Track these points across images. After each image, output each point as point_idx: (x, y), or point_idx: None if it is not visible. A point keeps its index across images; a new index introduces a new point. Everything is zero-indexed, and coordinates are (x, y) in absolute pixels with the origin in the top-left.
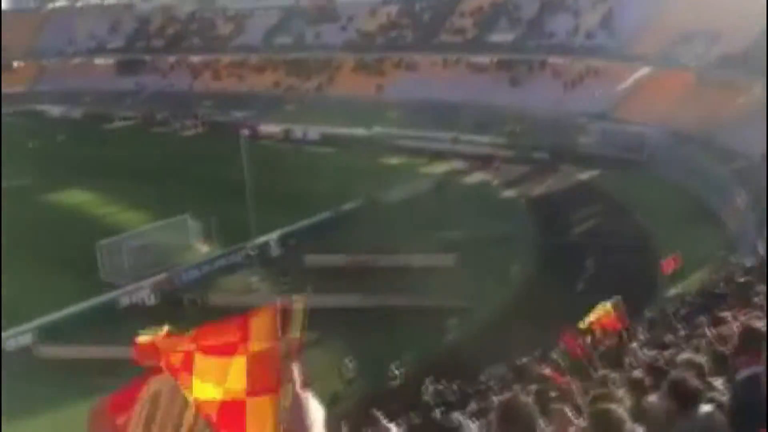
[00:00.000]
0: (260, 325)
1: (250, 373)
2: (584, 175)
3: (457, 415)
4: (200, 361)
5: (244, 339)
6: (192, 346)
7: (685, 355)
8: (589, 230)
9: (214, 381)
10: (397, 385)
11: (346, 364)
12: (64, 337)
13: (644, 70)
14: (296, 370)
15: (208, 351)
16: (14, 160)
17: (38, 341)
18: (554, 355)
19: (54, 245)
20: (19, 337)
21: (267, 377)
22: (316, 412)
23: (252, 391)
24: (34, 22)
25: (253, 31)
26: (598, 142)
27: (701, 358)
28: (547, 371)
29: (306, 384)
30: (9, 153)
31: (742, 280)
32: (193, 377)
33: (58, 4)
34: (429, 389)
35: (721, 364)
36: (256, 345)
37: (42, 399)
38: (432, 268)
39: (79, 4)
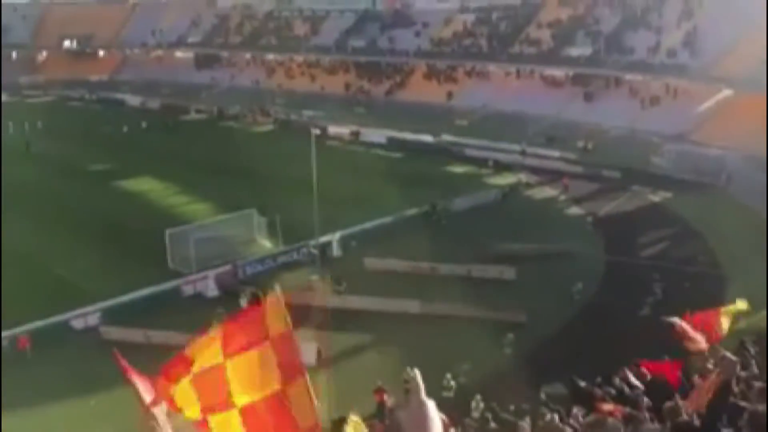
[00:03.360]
0: (272, 313)
1: (279, 362)
2: (656, 197)
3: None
4: (233, 368)
5: (262, 330)
6: (219, 359)
7: None
8: (658, 253)
9: (249, 381)
10: (449, 397)
11: (408, 372)
12: (129, 320)
13: (726, 93)
14: (419, 377)
15: (237, 352)
16: (94, 146)
17: (105, 322)
18: (617, 381)
19: (125, 230)
20: (87, 317)
21: (293, 361)
22: (436, 422)
23: (285, 378)
24: (121, 13)
25: (328, 33)
26: (673, 163)
27: None
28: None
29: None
30: (90, 139)
31: None
32: (231, 387)
33: None
34: (479, 405)
35: None
36: (274, 329)
37: (105, 378)
38: (492, 279)
39: None
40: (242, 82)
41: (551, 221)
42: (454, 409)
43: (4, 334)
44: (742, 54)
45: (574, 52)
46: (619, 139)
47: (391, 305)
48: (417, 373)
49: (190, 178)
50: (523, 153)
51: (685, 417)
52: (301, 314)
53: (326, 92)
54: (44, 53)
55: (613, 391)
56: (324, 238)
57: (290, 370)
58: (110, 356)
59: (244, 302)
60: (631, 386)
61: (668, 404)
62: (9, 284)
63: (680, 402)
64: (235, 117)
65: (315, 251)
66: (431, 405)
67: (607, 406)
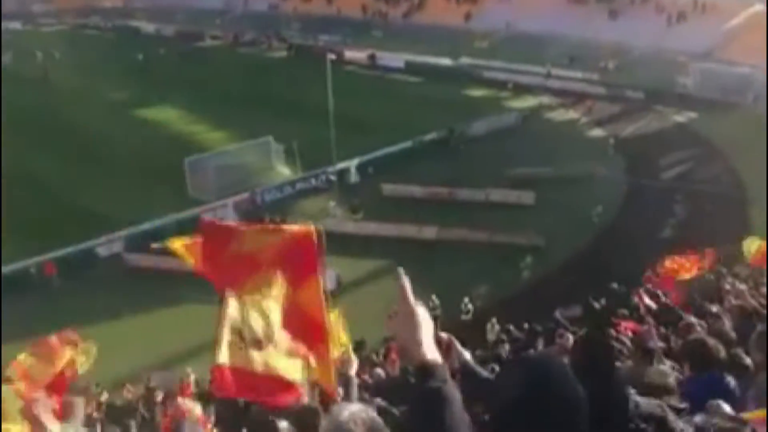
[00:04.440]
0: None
1: (286, 259)
2: (681, 117)
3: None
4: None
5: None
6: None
7: None
8: (681, 175)
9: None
10: (468, 320)
11: (433, 300)
12: (152, 247)
13: (757, 8)
14: (406, 283)
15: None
16: (111, 75)
17: (128, 249)
18: (635, 300)
19: (145, 159)
20: (112, 244)
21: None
22: (425, 323)
23: (292, 279)
24: None
25: None
26: (699, 82)
27: None
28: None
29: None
30: (106, 67)
31: None
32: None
33: None
34: (495, 328)
35: None
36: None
37: (129, 304)
38: (511, 204)
39: None
40: (257, 6)
41: (572, 144)
42: (471, 332)
43: (32, 260)
44: None
45: None
46: (644, 58)
47: (409, 231)
48: (404, 278)
49: (208, 106)
50: (544, 75)
51: (698, 335)
52: (320, 241)
53: (342, 15)
54: None
55: (626, 312)
56: (341, 165)
57: (300, 270)
58: (134, 282)
59: None
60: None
61: (682, 323)
62: (34, 213)
63: (693, 320)
64: (250, 43)
65: (333, 178)
66: (420, 310)
67: (626, 324)
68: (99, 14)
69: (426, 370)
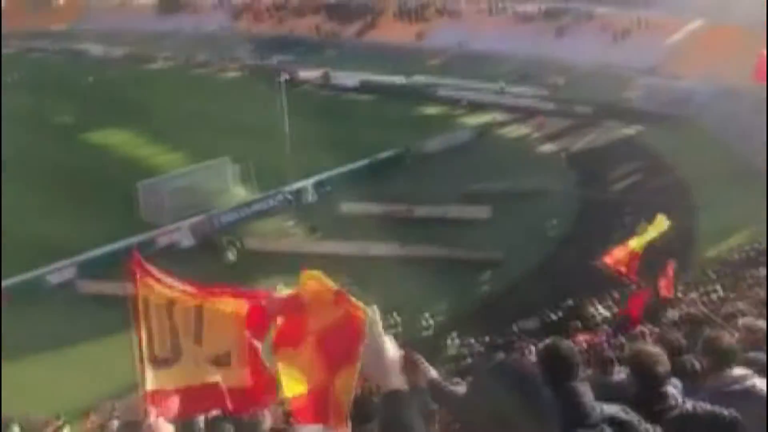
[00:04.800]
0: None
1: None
2: (628, 131)
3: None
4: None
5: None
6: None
7: (747, 320)
8: (630, 187)
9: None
10: (428, 336)
11: (394, 317)
12: (104, 273)
13: (697, 24)
14: (377, 313)
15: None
16: (60, 98)
17: (80, 276)
18: (590, 310)
19: (97, 184)
20: (63, 271)
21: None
22: (394, 353)
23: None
24: None
25: None
26: (644, 97)
27: (762, 323)
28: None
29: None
30: (55, 91)
31: None
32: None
33: None
34: (455, 342)
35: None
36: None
37: (81, 331)
38: (467, 220)
39: None
40: (208, 27)
41: (525, 159)
42: (432, 348)
43: None
44: None
45: None
46: (591, 74)
47: (368, 248)
48: (374, 309)
49: (161, 128)
50: (496, 92)
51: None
52: (278, 261)
53: (295, 36)
54: (3, 3)
55: (579, 324)
56: (298, 184)
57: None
58: (88, 309)
59: (230, 255)
60: (599, 317)
61: (634, 331)
62: None
63: (644, 329)
64: (203, 64)
65: (290, 197)
66: (387, 339)
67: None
68: (46, 37)
69: (393, 397)
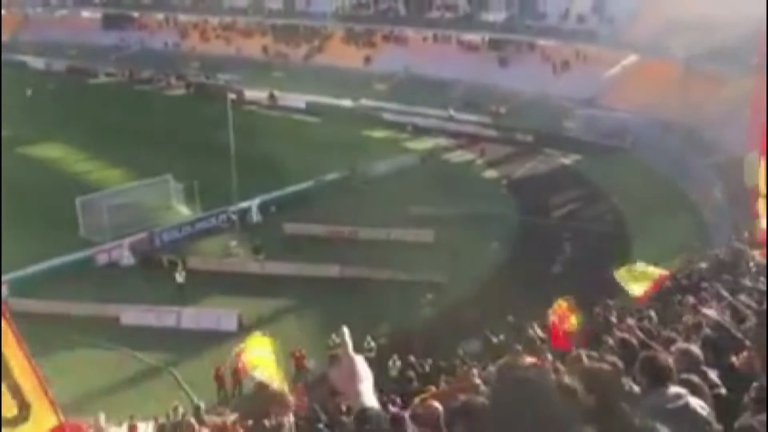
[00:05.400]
0: None
1: None
2: (567, 160)
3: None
4: None
5: None
6: None
7: (681, 345)
8: (568, 214)
9: None
10: (371, 357)
11: (333, 339)
12: (40, 291)
13: (633, 58)
14: (347, 334)
15: None
16: None
17: (14, 294)
18: (531, 334)
19: (33, 199)
20: None
21: None
22: (366, 374)
23: None
24: None
25: None
26: (582, 127)
27: (697, 349)
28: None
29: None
30: None
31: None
32: None
33: None
34: (396, 364)
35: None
36: None
37: None
38: (411, 243)
39: None
40: (154, 44)
41: (468, 184)
42: (374, 370)
43: None
44: (648, 19)
45: (489, 17)
46: (532, 103)
47: (312, 270)
48: (345, 331)
49: (102, 143)
50: (440, 117)
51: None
52: (221, 281)
53: (242, 55)
54: None
55: (519, 347)
56: (243, 204)
57: None
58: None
59: (179, 277)
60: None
61: (571, 355)
62: None
63: (581, 353)
64: (148, 80)
65: (234, 217)
66: (360, 359)
67: (528, 359)
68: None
69: (365, 415)
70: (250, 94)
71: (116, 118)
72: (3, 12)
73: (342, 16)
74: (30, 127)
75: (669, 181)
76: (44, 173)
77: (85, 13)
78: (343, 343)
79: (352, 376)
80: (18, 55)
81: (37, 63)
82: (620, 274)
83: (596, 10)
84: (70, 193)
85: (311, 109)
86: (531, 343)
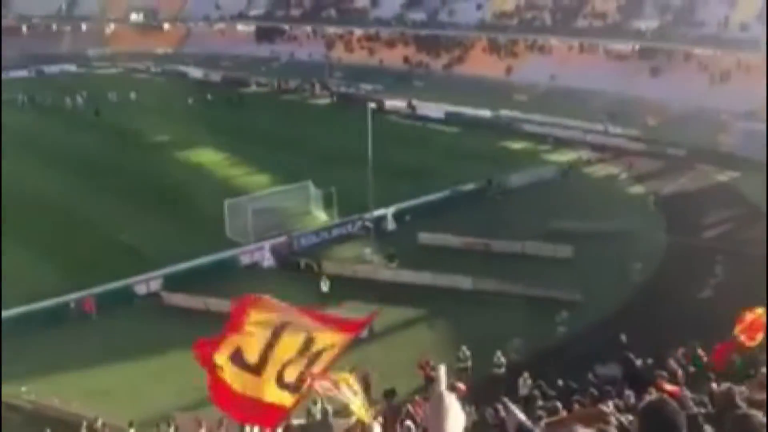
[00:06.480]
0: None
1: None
2: (723, 176)
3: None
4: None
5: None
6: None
7: None
8: (722, 234)
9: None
10: (500, 374)
11: (464, 352)
12: (189, 287)
13: None
14: (443, 372)
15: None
16: (160, 117)
17: (166, 288)
18: (672, 363)
19: (187, 199)
20: (149, 282)
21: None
22: (454, 414)
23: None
24: None
25: (388, 6)
26: (741, 142)
27: None
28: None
29: (452, 388)
30: (156, 110)
31: None
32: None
33: None
34: (527, 383)
35: None
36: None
37: (164, 342)
38: (547, 257)
39: None
40: (302, 55)
41: (612, 199)
42: (503, 386)
43: (71, 296)
44: None
45: (641, 24)
46: (686, 116)
47: (444, 280)
48: (441, 367)
49: (250, 150)
50: (584, 129)
51: (738, 403)
52: (353, 287)
53: (385, 66)
54: (112, 26)
55: (664, 373)
56: (378, 212)
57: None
58: (170, 321)
59: (324, 286)
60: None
61: (720, 389)
62: (76, 249)
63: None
64: (294, 90)
65: (369, 225)
66: (450, 397)
67: (670, 387)
68: (150, 59)
69: None
70: (390, 103)
71: (263, 125)
72: (167, 26)
73: (485, 26)
74: (188, 133)
75: None
76: (198, 176)
77: (240, 27)
78: (437, 380)
79: (438, 414)
80: (181, 65)
81: (196, 73)
82: None
83: (761, 17)
84: (218, 195)
85: (450, 119)
86: (673, 374)
